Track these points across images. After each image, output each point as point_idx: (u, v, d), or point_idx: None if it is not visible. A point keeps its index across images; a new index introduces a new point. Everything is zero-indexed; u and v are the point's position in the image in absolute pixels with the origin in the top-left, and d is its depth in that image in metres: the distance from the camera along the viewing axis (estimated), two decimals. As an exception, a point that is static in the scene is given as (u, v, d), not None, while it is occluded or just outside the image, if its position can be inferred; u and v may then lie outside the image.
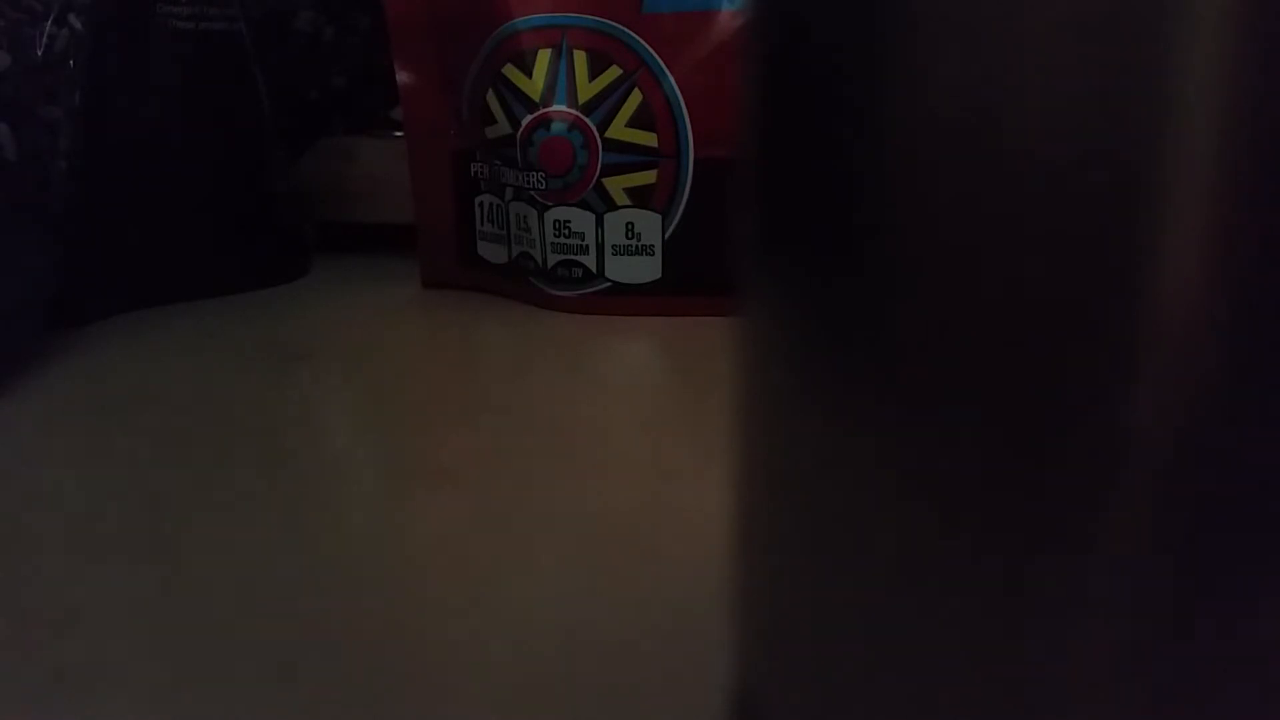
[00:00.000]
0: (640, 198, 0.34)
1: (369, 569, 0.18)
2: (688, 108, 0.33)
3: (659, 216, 0.34)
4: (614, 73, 0.33)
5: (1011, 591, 0.08)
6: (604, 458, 0.23)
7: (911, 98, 0.07)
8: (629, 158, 0.34)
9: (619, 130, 0.33)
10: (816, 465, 0.09)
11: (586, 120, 0.33)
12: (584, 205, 0.34)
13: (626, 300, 0.35)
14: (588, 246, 0.34)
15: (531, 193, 0.34)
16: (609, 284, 0.35)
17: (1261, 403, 0.07)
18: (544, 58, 0.34)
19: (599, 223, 0.34)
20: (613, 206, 0.34)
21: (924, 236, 0.07)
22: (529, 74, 0.34)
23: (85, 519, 0.20)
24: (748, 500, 0.10)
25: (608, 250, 0.34)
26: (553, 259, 0.35)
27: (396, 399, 0.27)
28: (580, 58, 0.33)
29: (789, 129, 0.09)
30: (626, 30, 0.33)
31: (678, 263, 0.34)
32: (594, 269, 0.35)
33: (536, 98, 0.34)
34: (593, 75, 0.33)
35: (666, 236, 0.34)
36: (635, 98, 0.33)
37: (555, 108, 0.34)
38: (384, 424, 0.25)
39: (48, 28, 0.29)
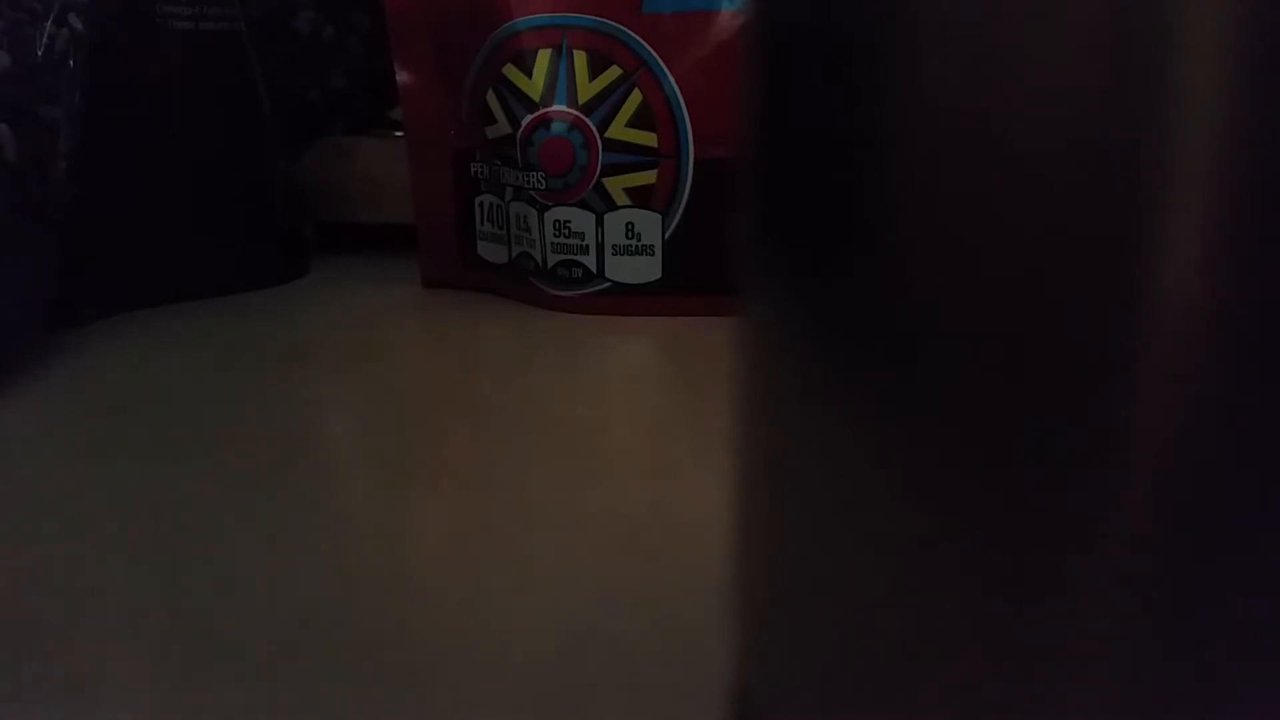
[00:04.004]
0: (640, 198, 0.34)
1: (368, 568, 0.18)
2: (688, 108, 0.33)
3: (659, 216, 0.34)
4: (614, 73, 0.33)
5: (1011, 592, 0.08)
6: (604, 458, 0.23)
7: (911, 96, 0.07)
8: (629, 158, 0.34)
9: (619, 130, 0.33)
10: (816, 465, 0.09)
11: (586, 120, 0.33)
12: (584, 205, 0.34)
13: (626, 300, 0.35)
14: (588, 246, 0.34)
15: (531, 193, 0.34)
16: (609, 284, 0.35)
17: (1262, 402, 0.07)
18: (544, 58, 0.34)
19: (599, 223, 0.34)
20: (613, 206, 0.34)
21: (923, 235, 0.07)
22: (529, 74, 0.34)
23: (85, 519, 0.20)
24: (748, 500, 0.10)
25: (608, 250, 0.34)
26: (553, 259, 0.35)
27: (396, 399, 0.27)
28: (580, 58, 0.33)
29: (788, 128, 0.09)
30: (626, 30, 0.33)
31: (678, 263, 0.34)
32: (594, 269, 0.35)
33: (536, 98, 0.34)
34: (593, 75, 0.33)
35: (666, 236, 0.34)
36: (635, 98, 0.33)
37: (555, 108, 0.34)
38: (384, 424, 0.25)
39: (48, 28, 0.29)
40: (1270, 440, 0.07)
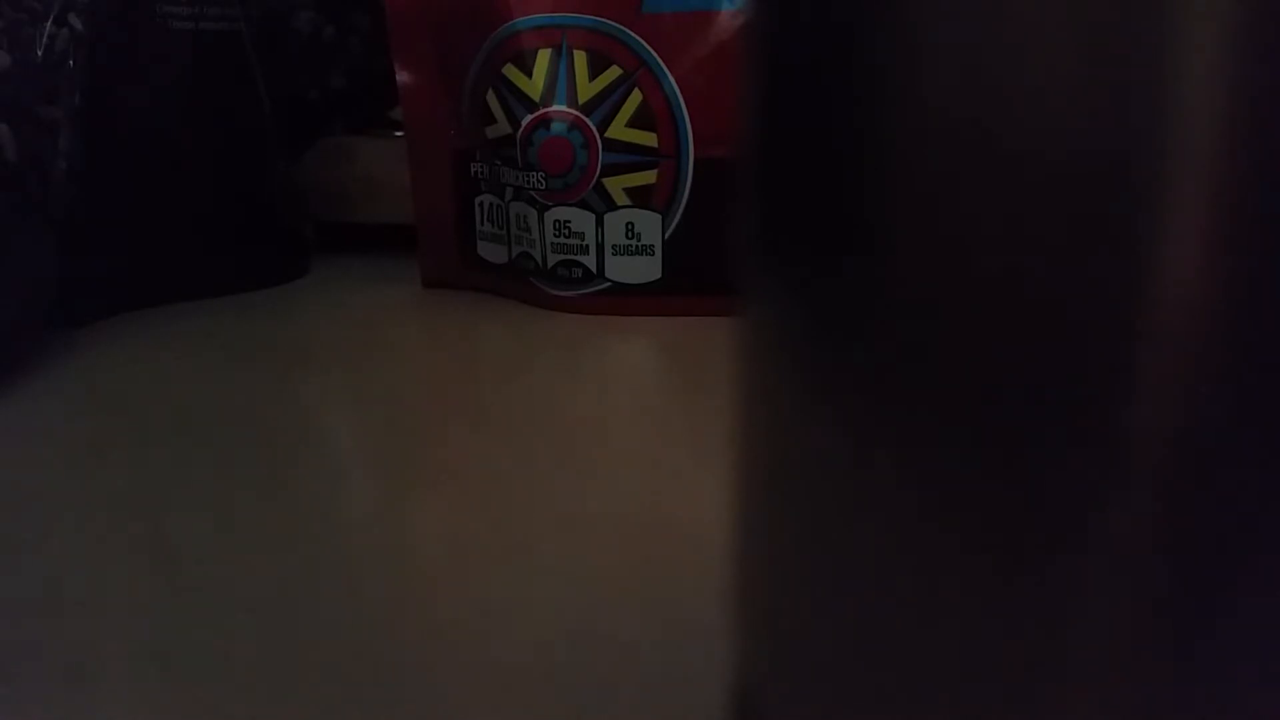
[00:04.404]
0: (640, 198, 0.34)
1: (369, 568, 0.18)
2: (688, 108, 0.33)
3: (659, 216, 0.34)
4: (614, 73, 0.33)
5: (1011, 591, 0.08)
6: (604, 458, 0.23)
7: (911, 97, 0.07)
8: (629, 158, 0.34)
9: (619, 130, 0.33)
10: (816, 465, 0.09)
11: (586, 120, 0.33)
12: (584, 205, 0.34)
13: (626, 300, 0.35)
14: (588, 246, 0.34)
15: (531, 193, 0.34)
16: (609, 284, 0.35)
17: (1262, 402, 0.07)
18: (544, 58, 0.34)
19: (599, 223, 0.34)
20: (613, 206, 0.34)
21: (923, 236, 0.07)
22: (529, 74, 0.34)
23: (85, 519, 0.20)
24: (747, 500, 0.10)
25: (608, 250, 0.34)
26: (553, 259, 0.35)
27: (396, 399, 0.27)
28: (580, 58, 0.33)
29: (788, 128, 0.09)
30: (626, 30, 0.33)
31: (678, 263, 0.34)
32: (594, 269, 0.35)
33: (536, 98, 0.34)
34: (593, 75, 0.33)
35: (666, 236, 0.34)
36: (635, 98, 0.33)
37: (555, 108, 0.34)
38: (384, 424, 0.25)
39: (48, 28, 0.29)
40: (1270, 439, 0.07)
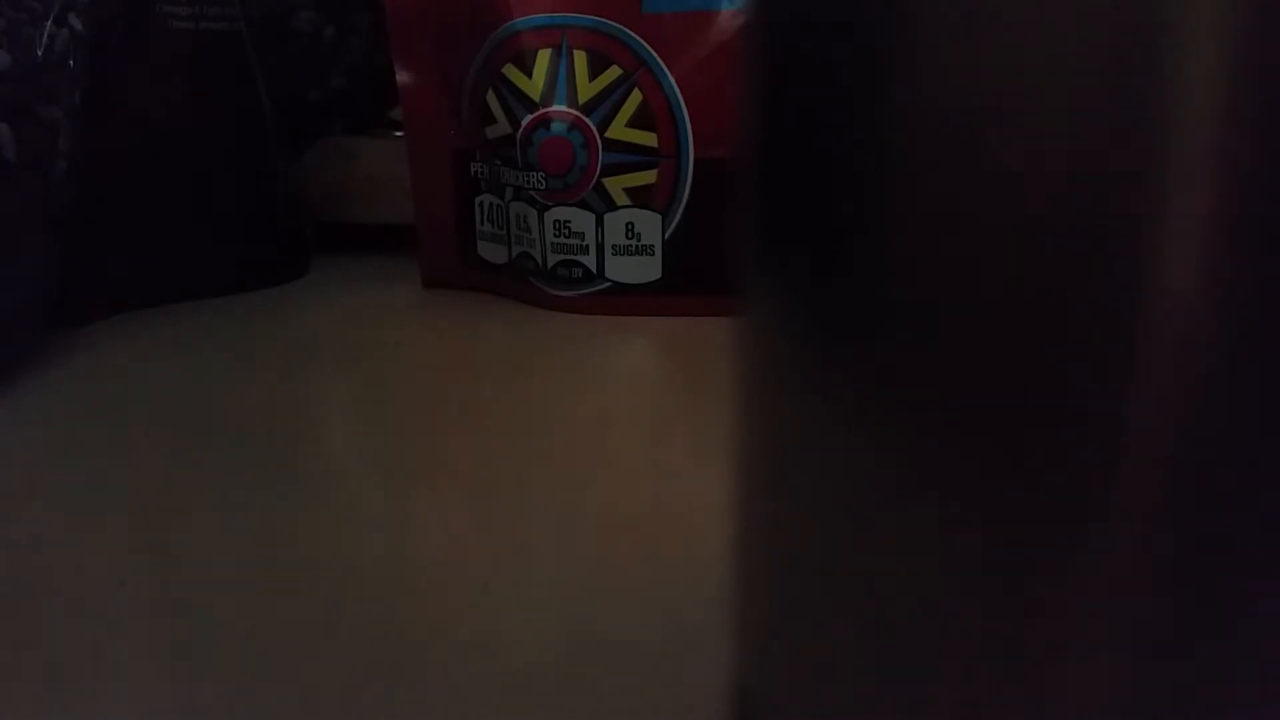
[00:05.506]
0: (640, 198, 0.34)
1: (369, 568, 0.18)
2: (688, 108, 0.33)
3: (659, 216, 0.34)
4: (614, 73, 0.33)
5: (1011, 591, 0.08)
6: (604, 458, 0.23)
7: (910, 97, 0.07)
8: (629, 158, 0.34)
9: (619, 130, 0.33)
10: (816, 465, 0.09)
11: (586, 120, 0.33)
12: (584, 205, 0.34)
13: (626, 300, 0.35)
14: (588, 246, 0.34)
15: (531, 193, 0.34)
16: (609, 284, 0.35)
17: (1261, 402, 0.07)
18: (544, 58, 0.34)
19: (599, 223, 0.34)
20: (613, 206, 0.34)
21: (923, 236, 0.07)
22: (529, 74, 0.34)
23: (85, 518, 0.20)
24: (748, 500, 0.10)
25: (608, 250, 0.34)
26: (553, 259, 0.35)
27: (396, 399, 0.27)
28: (580, 58, 0.33)
29: (788, 129, 0.09)
30: (626, 30, 0.33)
31: (678, 263, 0.34)
32: (594, 269, 0.35)
33: (536, 98, 0.34)
34: (593, 75, 0.33)
35: (666, 236, 0.34)
36: (635, 98, 0.33)
37: (555, 108, 0.34)
38: (384, 424, 0.25)
39: (48, 28, 0.29)
40: (1271, 439, 0.07)
